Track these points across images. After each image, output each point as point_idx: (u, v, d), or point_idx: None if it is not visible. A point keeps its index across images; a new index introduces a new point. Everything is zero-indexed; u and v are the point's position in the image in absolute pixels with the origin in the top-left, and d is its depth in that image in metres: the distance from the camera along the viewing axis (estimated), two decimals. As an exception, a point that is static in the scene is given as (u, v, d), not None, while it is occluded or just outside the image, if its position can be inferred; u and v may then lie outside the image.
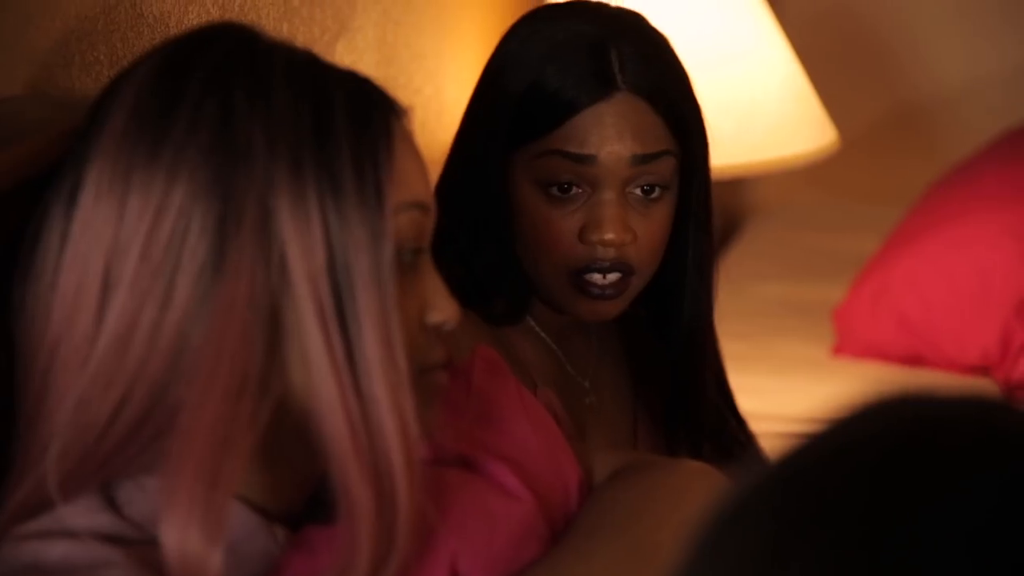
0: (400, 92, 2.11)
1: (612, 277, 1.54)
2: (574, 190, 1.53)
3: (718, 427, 1.69)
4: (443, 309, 1.13)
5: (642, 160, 1.53)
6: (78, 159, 1.07)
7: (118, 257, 1.05)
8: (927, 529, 0.59)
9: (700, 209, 1.60)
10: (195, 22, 1.45)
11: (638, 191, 1.54)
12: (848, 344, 2.81)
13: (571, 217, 1.53)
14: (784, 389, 2.64)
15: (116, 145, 1.06)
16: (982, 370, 2.69)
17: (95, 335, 1.05)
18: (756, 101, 2.42)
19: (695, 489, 1.27)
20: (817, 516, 0.61)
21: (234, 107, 1.05)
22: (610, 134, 1.52)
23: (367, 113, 1.09)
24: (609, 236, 1.52)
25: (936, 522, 0.59)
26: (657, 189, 1.55)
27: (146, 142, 1.05)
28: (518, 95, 1.53)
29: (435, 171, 1.65)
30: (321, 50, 1.82)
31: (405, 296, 1.09)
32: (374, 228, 1.06)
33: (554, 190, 1.53)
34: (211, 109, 1.05)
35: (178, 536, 1.03)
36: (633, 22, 1.59)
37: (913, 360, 2.76)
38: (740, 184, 3.63)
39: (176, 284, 1.04)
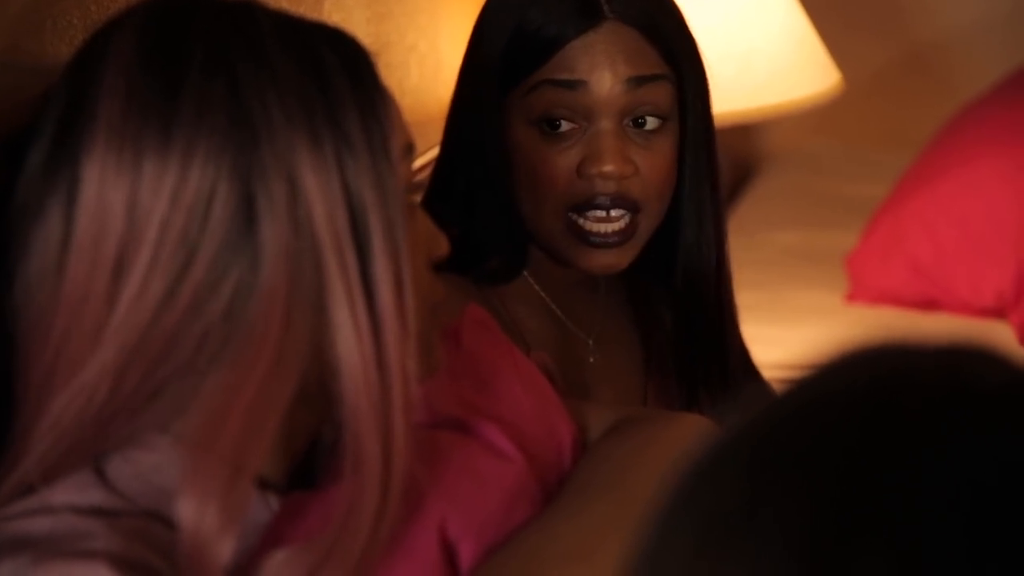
0: (393, 50, 2.09)
1: (616, 214, 1.49)
2: (568, 125, 1.49)
3: (743, 382, 1.65)
4: (439, 243, 1.14)
5: (637, 83, 1.49)
6: (69, 154, 1.04)
7: (132, 246, 1.03)
8: (899, 485, 0.58)
9: (701, 141, 1.55)
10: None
11: (635, 124, 1.50)
12: (862, 291, 2.79)
13: (568, 153, 1.50)
14: (798, 338, 2.62)
15: (118, 134, 1.03)
16: (997, 312, 2.67)
17: (104, 324, 1.03)
18: (756, 45, 2.39)
19: (692, 442, 1.25)
20: (790, 469, 0.60)
21: (240, 81, 1.03)
22: (600, 60, 1.49)
23: (358, 66, 1.08)
24: (608, 168, 1.48)
25: (908, 479, 0.58)
26: (655, 120, 1.51)
27: (154, 127, 1.02)
28: (506, 37, 1.51)
29: (434, 128, 1.62)
30: (308, 8, 1.80)
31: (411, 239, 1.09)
32: (384, 186, 1.06)
33: (547, 126, 1.49)
34: (219, 86, 1.03)
35: (195, 512, 1.02)
36: None
37: (927, 305, 2.74)
38: (751, 132, 3.60)
39: (193, 264, 1.03)
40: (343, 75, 1.06)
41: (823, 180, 3.39)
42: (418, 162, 1.38)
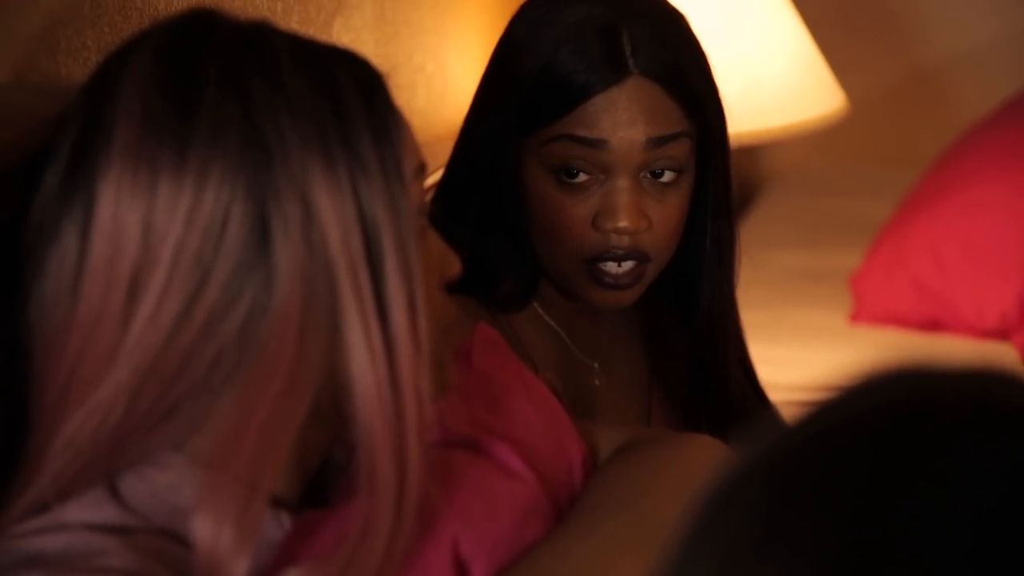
0: (401, 70, 2.10)
1: (627, 265, 1.51)
2: (585, 176, 1.50)
3: (744, 411, 1.66)
4: (451, 264, 1.14)
5: (657, 143, 1.49)
6: (85, 176, 1.04)
7: (146, 267, 1.03)
8: (919, 506, 0.58)
9: (719, 191, 1.57)
10: (185, 5, 1.43)
11: (651, 176, 1.51)
12: (865, 311, 2.79)
13: (584, 204, 1.51)
14: (801, 358, 2.62)
15: (133, 156, 1.03)
16: (1001, 334, 2.67)
17: (118, 345, 1.04)
18: (762, 67, 2.40)
19: (703, 464, 1.26)
20: (809, 496, 0.60)
21: (254, 102, 1.03)
22: (623, 119, 1.49)
23: (371, 87, 1.08)
24: (623, 224, 1.49)
25: (928, 499, 0.58)
26: (672, 173, 1.51)
27: (169, 149, 1.03)
28: (528, 80, 1.50)
29: (442, 148, 1.63)
30: (318, 30, 1.81)
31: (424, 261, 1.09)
32: (398, 207, 1.06)
33: (564, 176, 1.50)
34: (233, 107, 1.03)
35: (211, 531, 1.03)
36: (647, 1, 1.55)
37: (931, 326, 2.74)
38: (755, 151, 3.61)
39: (208, 285, 1.03)
40: (356, 97, 1.06)
41: (827, 200, 3.39)
42: (427, 182, 1.39)
